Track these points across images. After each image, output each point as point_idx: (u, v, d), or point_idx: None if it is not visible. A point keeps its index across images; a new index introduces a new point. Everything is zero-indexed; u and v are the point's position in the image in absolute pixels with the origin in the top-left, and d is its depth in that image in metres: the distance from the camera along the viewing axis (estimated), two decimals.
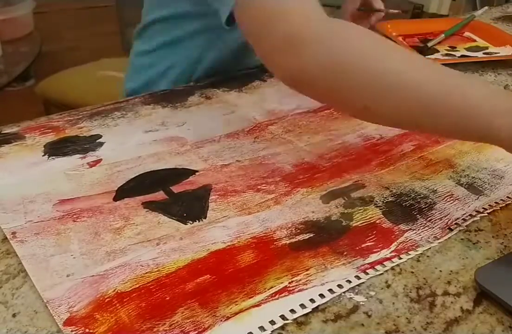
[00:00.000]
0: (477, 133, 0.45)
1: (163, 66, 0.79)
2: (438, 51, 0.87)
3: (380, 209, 0.50)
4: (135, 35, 0.82)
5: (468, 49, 0.87)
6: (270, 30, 0.49)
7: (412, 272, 0.44)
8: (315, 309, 0.40)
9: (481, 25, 0.95)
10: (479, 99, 0.45)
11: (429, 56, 0.85)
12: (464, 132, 0.46)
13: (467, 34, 0.94)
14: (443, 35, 0.89)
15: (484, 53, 0.86)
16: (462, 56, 0.85)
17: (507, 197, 0.52)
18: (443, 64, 0.80)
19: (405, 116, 0.47)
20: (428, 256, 0.45)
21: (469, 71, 0.79)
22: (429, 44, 0.87)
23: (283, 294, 0.41)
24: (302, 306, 0.40)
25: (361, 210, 0.50)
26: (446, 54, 0.85)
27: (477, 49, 0.87)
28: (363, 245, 0.45)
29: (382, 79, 0.46)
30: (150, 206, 0.49)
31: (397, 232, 0.47)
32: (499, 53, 0.86)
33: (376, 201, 0.51)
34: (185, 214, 0.48)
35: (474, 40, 0.91)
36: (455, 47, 0.88)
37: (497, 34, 0.91)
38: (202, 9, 0.68)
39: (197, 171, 0.54)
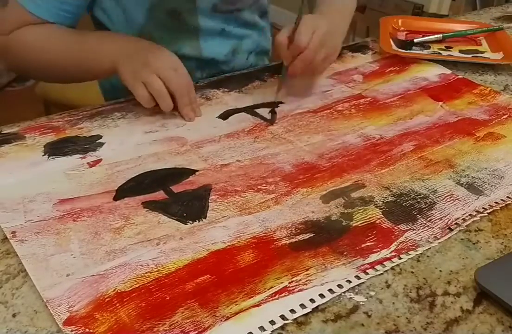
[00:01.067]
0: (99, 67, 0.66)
1: None
2: (429, 48, 0.86)
3: (380, 209, 0.50)
4: None
5: (462, 52, 0.86)
6: None
7: (412, 272, 0.44)
8: (315, 309, 0.40)
9: (501, 35, 0.92)
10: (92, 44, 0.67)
11: (411, 51, 0.84)
12: (91, 71, 0.68)
13: (479, 38, 0.92)
14: (440, 35, 0.89)
15: (473, 56, 0.84)
16: (449, 56, 0.84)
17: (507, 197, 0.52)
18: (428, 59, 0.78)
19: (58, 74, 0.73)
20: (428, 256, 0.45)
21: (469, 71, 0.79)
22: (416, 40, 0.86)
23: (283, 294, 0.41)
24: (302, 306, 0.40)
25: (361, 210, 0.50)
26: (434, 52, 0.85)
27: (472, 52, 0.86)
28: (363, 245, 0.45)
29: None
30: (150, 206, 0.49)
31: (397, 232, 0.47)
32: (488, 57, 0.84)
33: (376, 201, 0.51)
34: (185, 214, 0.48)
35: (480, 45, 0.90)
36: (451, 48, 0.87)
37: (502, 41, 0.89)
38: None
39: (197, 171, 0.54)
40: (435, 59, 0.82)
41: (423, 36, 0.90)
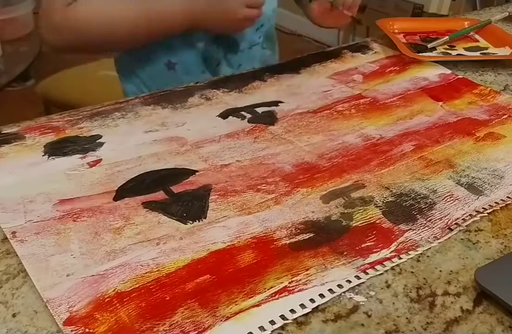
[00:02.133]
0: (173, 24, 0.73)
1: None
2: (435, 49, 0.86)
3: (380, 209, 0.50)
4: None
5: (467, 49, 0.87)
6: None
7: (412, 272, 0.44)
8: (315, 309, 0.40)
9: (493, 28, 0.94)
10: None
11: (423, 54, 0.84)
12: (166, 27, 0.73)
13: (471, 33, 0.94)
14: (447, 37, 0.89)
15: (481, 53, 0.86)
16: (458, 55, 0.85)
17: (507, 197, 0.52)
18: (436, 61, 0.80)
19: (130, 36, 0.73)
20: (428, 256, 0.45)
21: (469, 71, 0.79)
22: (430, 45, 0.86)
23: (283, 294, 0.41)
24: (302, 306, 0.40)
25: (361, 210, 0.50)
26: (442, 53, 0.86)
27: (476, 49, 0.87)
28: (363, 245, 0.45)
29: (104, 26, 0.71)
30: (150, 206, 0.49)
31: (397, 232, 0.47)
32: (497, 53, 0.85)
33: (376, 201, 0.51)
34: (185, 214, 0.48)
35: (477, 41, 0.91)
36: (454, 46, 0.88)
37: (500, 35, 0.91)
38: None
39: (197, 171, 0.54)
40: (457, 60, 0.82)
41: (420, 37, 0.91)
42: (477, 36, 0.93)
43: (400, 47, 0.83)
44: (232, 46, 0.86)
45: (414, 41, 0.89)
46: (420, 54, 0.84)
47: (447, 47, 0.88)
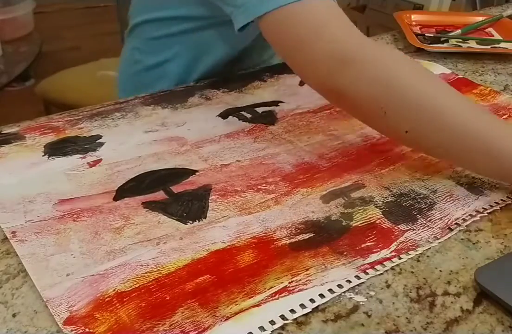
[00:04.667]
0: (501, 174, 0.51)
1: (159, 66, 0.79)
2: (447, 41, 0.87)
3: (380, 209, 0.50)
4: (127, 34, 0.82)
5: (479, 43, 0.88)
6: (316, 47, 0.53)
7: (412, 272, 0.44)
8: (315, 309, 0.40)
9: (506, 23, 0.95)
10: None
11: (435, 45, 0.85)
12: (497, 172, 0.51)
13: (488, 29, 0.94)
14: (459, 31, 0.90)
15: (492, 47, 0.86)
16: (469, 48, 0.86)
17: (507, 197, 0.52)
18: (441, 52, 0.80)
19: (444, 148, 0.51)
20: (428, 256, 0.45)
21: (469, 71, 0.79)
22: (442, 38, 0.88)
23: (283, 294, 0.41)
24: (302, 306, 0.40)
25: (361, 210, 0.50)
26: (454, 45, 0.86)
27: (488, 43, 0.88)
28: (363, 245, 0.45)
29: (427, 107, 0.50)
30: (150, 206, 0.49)
31: (397, 232, 0.47)
32: (507, 48, 0.86)
33: (376, 201, 0.51)
34: (185, 214, 0.48)
35: (492, 35, 0.92)
36: (467, 39, 0.89)
37: None
38: (206, 12, 0.68)
39: (197, 171, 0.54)
40: (463, 52, 0.84)
41: (436, 30, 0.92)
42: (492, 31, 0.93)
43: (409, 37, 0.85)
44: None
45: (430, 33, 0.90)
46: (432, 45, 0.85)
47: (460, 40, 0.89)
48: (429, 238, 0.47)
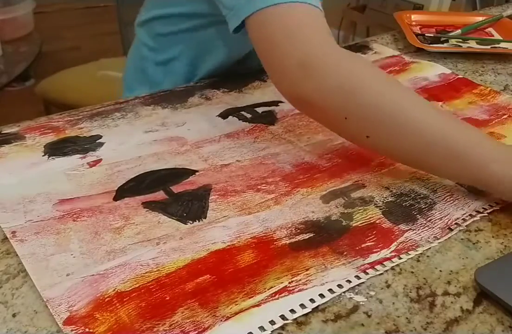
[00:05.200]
0: (471, 176, 0.49)
1: (165, 63, 0.79)
2: (447, 41, 0.87)
3: (380, 209, 0.50)
4: (136, 29, 0.81)
5: (479, 43, 0.88)
6: (285, 51, 0.53)
7: (412, 272, 0.44)
8: (315, 309, 0.40)
9: (506, 23, 0.95)
10: (474, 145, 0.49)
11: (435, 45, 0.85)
12: (459, 175, 0.51)
13: (488, 29, 0.94)
14: (459, 31, 0.90)
15: (492, 47, 0.86)
16: (469, 48, 0.86)
17: None
18: (440, 53, 0.80)
19: (404, 152, 0.51)
20: (428, 256, 0.45)
21: (469, 71, 0.79)
22: (442, 38, 0.88)
23: (283, 294, 0.41)
24: (302, 306, 0.40)
25: (361, 210, 0.50)
26: (454, 45, 0.86)
27: (488, 43, 0.88)
28: (363, 245, 0.45)
29: (387, 112, 0.49)
30: (150, 206, 0.49)
31: (397, 232, 0.47)
32: (507, 48, 0.86)
33: (376, 201, 0.51)
34: (185, 214, 0.48)
35: (492, 35, 0.92)
36: (467, 40, 0.89)
37: None
38: (209, 10, 0.68)
39: (197, 171, 0.54)
40: (463, 52, 0.84)
41: (436, 30, 0.92)
42: (492, 31, 0.93)
43: (409, 37, 0.85)
44: None
45: (430, 33, 0.90)
46: (433, 45, 0.85)
47: (460, 40, 0.89)
48: (429, 238, 0.47)
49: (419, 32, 0.92)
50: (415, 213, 0.49)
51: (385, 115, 0.49)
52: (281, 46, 0.53)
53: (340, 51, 0.53)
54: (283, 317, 0.39)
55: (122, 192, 0.51)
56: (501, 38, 0.91)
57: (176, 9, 0.72)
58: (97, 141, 0.59)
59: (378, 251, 0.45)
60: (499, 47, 0.87)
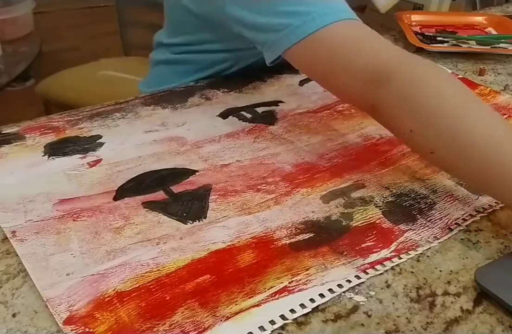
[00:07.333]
0: None
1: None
2: (447, 41, 0.87)
3: (380, 209, 0.50)
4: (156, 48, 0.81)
5: (478, 43, 0.87)
6: (346, 65, 0.53)
7: (412, 272, 0.44)
8: (315, 309, 0.40)
9: (506, 22, 0.94)
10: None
11: (435, 45, 0.85)
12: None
13: (488, 29, 0.94)
14: (474, 42, 0.89)
15: (492, 47, 0.86)
16: (469, 48, 0.86)
17: None
18: (441, 52, 0.80)
19: (469, 173, 0.48)
20: (428, 256, 0.45)
21: (469, 71, 0.79)
22: (442, 38, 0.88)
23: (283, 294, 0.41)
24: (302, 306, 0.40)
25: (361, 210, 0.50)
26: (453, 44, 0.86)
27: (488, 43, 0.88)
28: (363, 245, 0.45)
29: (452, 131, 0.47)
30: (150, 205, 0.49)
31: (397, 232, 0.47)
32: (507, 48, 0.86)
33: (376, 201, 0.51)
34: (185, 214, 0.48)
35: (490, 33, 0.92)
36: (467, 40, 0.89)
37: None
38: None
39: (197, 171, 0.54)
40: (463, 52, 0.84)
41: (436, 30, 0.92)
42: (492, 31, 0.94)
43: (409, 37, 0.85)
44: None
45: (429, 33, 0.91)
46: (432, 45, 0.85)
47: (460, 40, 0.89)
48: (429, 238, 0.47)
49: (419, 32, 0.92)
50: (415, 213, 0.49)
51: (451, 133, 0.47)
52: (347, 61, 0.53)
53: (413, 60, 0.53)
54: (283, 317, 0.39)
55: (122, 192, 0.51)
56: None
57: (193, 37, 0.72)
58: (97, 141, 0.59)
59: (378, 251, 0.45)
60: (499, 47, 0.87)
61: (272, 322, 0.38)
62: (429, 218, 0.49)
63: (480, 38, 0.90)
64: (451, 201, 0.51)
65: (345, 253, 0.45)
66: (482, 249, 0.46)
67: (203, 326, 0.38)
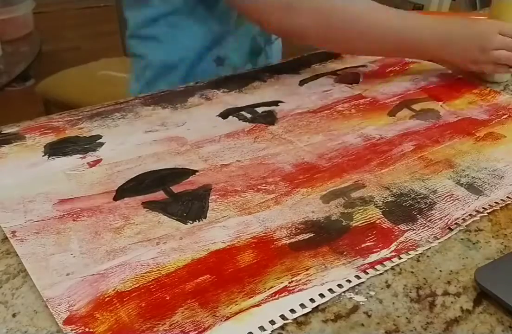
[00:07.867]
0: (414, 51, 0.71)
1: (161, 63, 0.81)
2: None
3: (380, 209, 0.50)
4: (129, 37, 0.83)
5: None
6: None
7: (412, 272, 0.44)
8: (315, 309, 0.40)
9: None
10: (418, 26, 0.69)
11: None
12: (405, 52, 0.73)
13: None
14: None
15: None
16: None
17: (507, 197, 0.52)
18: None
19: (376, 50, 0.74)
20: (428, 256, 0.45)
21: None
22: None
23: (283, 294, 0.41)
24: (302, 306, 0.40)
25: (361, 210, 0.50)
26: None
27: None
28: (363, 245, 0.45)
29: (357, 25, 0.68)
30: (150, 205, 0.49)
31: (397, 232, 0.47)
32: None
33: (376, 201, 0.51)
34: (185, 214, 0.48)
35: None
36: None
37: None
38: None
39: (197, 171, 0.54)
40: None
41: None
42: None
43: None
44: (269, 37, 0.87)
45: None
46: None
47: None
48: (429, 238, 0.47)
49: None
50: (415, 213, 0.49)
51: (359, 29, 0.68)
52: None
53: None
54: (283, 317, 0.39)
55: (122, 192, 0.51)
56: None
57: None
58: (97, 141, 0.59)
59: (378, 251, 0.45)
60: None
61: (272, 322, 0.38)
62: (429, 218, 0.49)
63: None
64: (451, 201, 0.51)
65: (345, 253, 0.45)
66: (482, 249, 0.46)
67: (203, 326, 0.38)
